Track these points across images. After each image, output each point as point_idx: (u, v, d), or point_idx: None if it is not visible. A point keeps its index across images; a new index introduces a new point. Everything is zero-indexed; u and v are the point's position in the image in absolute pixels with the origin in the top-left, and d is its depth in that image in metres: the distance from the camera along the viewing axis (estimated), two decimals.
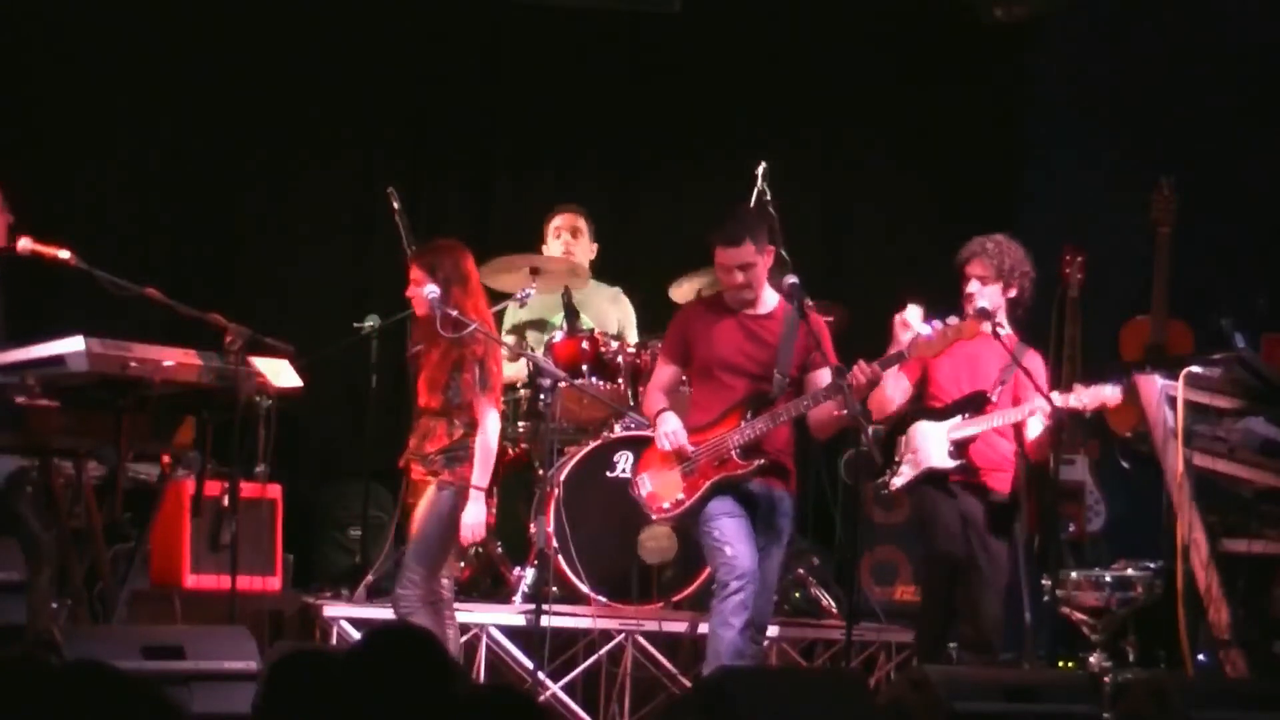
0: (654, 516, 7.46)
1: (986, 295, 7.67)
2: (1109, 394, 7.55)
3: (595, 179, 10.54)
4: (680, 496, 7.32)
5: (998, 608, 7.63)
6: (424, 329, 7.56)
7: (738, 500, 7.25)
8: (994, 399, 7.64)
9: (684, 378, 7.55)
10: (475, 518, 7.39)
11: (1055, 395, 7.48)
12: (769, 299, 7.37)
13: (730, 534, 7.17)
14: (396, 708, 4.26)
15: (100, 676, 3.78)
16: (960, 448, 7.61)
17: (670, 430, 7.29)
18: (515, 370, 8.77)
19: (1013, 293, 7.75)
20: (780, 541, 7.36)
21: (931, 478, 7.64)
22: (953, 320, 7.27)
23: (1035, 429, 7.57)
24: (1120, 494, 9.25)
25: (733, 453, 7.24)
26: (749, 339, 7.32)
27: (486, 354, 7.43)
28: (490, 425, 7.41)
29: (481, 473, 7.39)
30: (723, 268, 7.29)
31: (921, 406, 7.70)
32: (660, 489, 7.38)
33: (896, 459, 7.68)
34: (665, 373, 7.52)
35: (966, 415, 7.62)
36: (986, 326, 7.55)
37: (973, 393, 7.66)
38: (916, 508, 7.81)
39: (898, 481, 7.68)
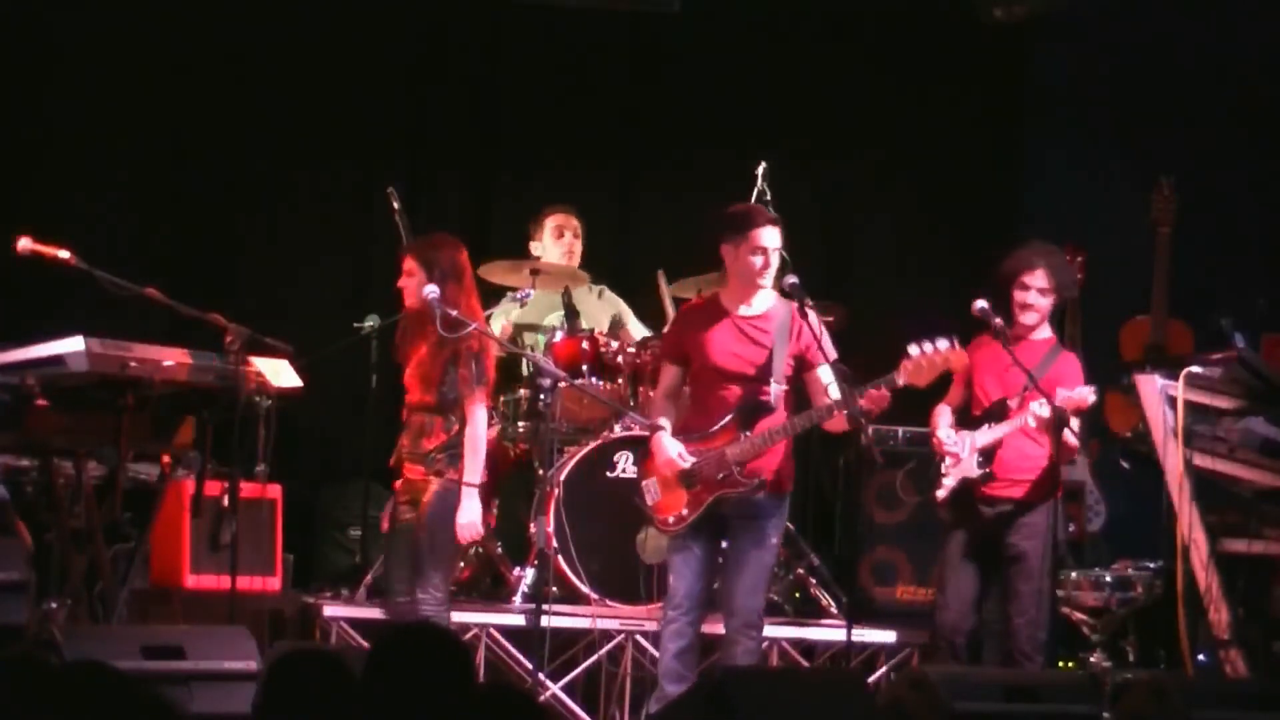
0: (661, 529, 7.46)
1: (1041, 309, 7.77)
2: (1082, 394, 7.57)
3: (595, 179, 10.52)
4: (684, 512, 7.32)
5: (1031, 612, 7.66)
6: (411, 321, 7.47)
7: (693, 526, 7.30)
8: (1014, 405, 7.68)
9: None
10: (471, 516, 7.29)
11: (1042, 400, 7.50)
12: (764, 298, 7.36)
13: (676, 565, 7.35)
14: (408, 707, 4.27)
15: (100, 676, 3.78)
16: (987, 456, 7.68)
17: (665, 460, 7.32)
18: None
19: (1059, 303, 7.91)
20: (758, 540, 7.29)
21: (961, 501, 7.72)
22: (942, 344, 7.22)
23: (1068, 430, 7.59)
24: (1120, 494, 9.24)
25: (734, 470, 7.25)
26: (741, 341, 7.31)
27: (482, 349, 7.35)
28: (480, 421, 7.30)
29: (472, 469, 7.28)
30: (765, 248, 7.24)
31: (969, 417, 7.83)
32: (666, 500, 7.37)
33: (943, 470, 7.73)
34: (667, 375, 7.50)
35: (990, 424, 7.72)
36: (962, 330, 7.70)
37: (994, 402, 7.73)
38: (947, 526, 7.86)
39: (941, 493, 7.76)
